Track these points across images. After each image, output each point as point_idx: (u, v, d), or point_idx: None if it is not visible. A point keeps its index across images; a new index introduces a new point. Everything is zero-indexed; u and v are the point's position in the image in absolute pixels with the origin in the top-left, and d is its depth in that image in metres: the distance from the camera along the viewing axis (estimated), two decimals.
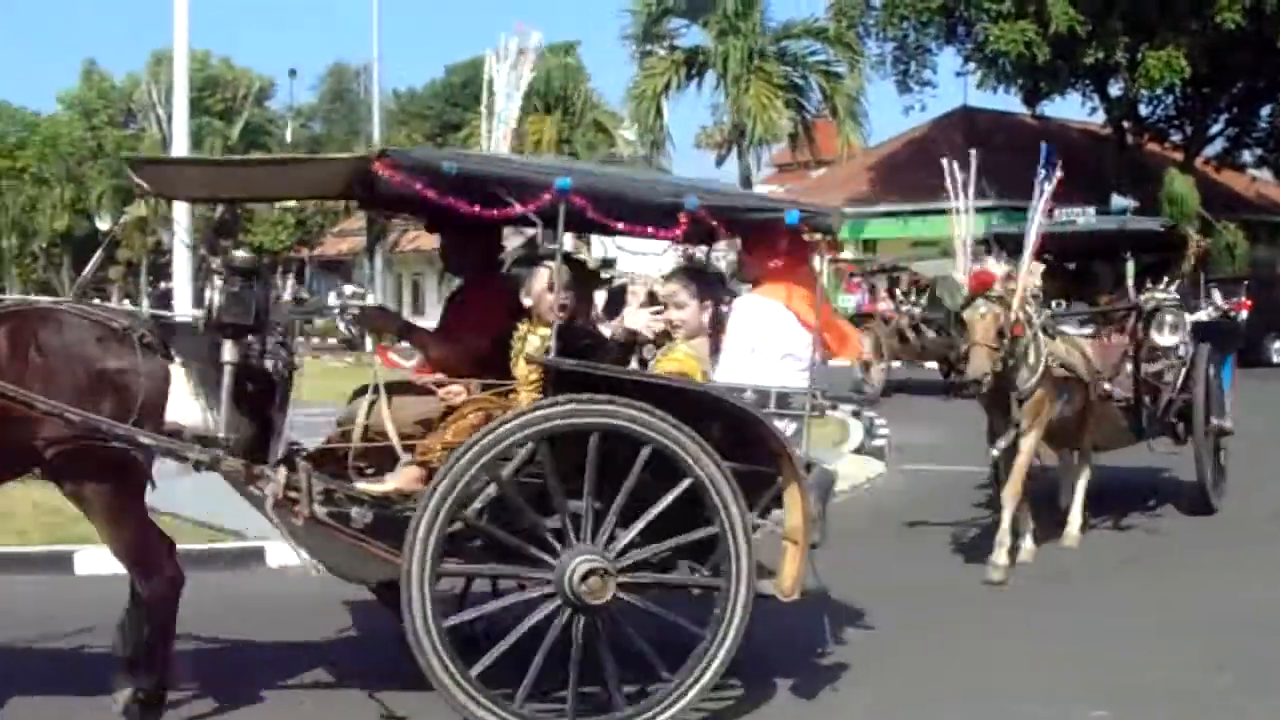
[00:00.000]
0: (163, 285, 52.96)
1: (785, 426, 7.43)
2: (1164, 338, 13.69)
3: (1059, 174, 12.46)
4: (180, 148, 25.61)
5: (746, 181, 23.80)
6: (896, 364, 26.90)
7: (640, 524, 6.98)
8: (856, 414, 22.23)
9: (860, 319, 26.52)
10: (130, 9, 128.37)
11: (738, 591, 7.07)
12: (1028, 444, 11.56)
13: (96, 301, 8.51)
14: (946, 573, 11.48)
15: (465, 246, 8.16)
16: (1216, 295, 15.92)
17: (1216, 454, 14.37)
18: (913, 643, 9.28)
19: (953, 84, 69.59)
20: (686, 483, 6.95)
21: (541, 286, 7.51)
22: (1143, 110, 45.17)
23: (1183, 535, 13.19)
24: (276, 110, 78.29)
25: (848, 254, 39.84)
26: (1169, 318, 13.68)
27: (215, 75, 71.95)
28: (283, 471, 7.01)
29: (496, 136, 9.31)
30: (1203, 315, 15.07)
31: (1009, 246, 14.49)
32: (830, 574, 11.12)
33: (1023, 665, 8.76)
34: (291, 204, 62.74)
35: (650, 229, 7.50)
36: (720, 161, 24.71)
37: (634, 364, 7.91)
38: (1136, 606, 10.38)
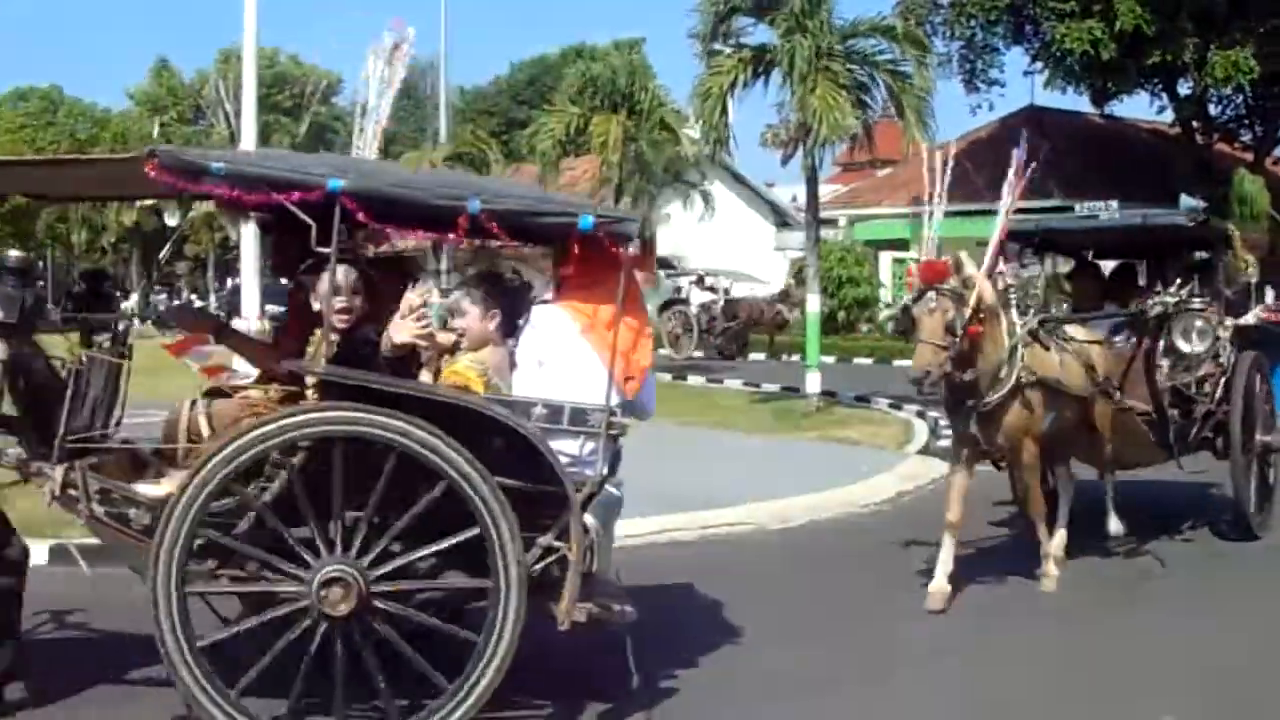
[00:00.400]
0: (230, 281, 53.46)
1: (583, 444, 7.19)
2: (1190, 344, 12.39)
3: (1032, 168, 12.12)
4: (248, 144, 25.89)
5: (813, 180, 23.71)
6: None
7: (393, 531, 6.81)
8: (921, 414, 22.21)
9: None
10: (201, 6, 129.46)
11: (507, 599, 6.81)
12: (1024, 469, 10.77)
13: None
14: (991, 581, 11.35)
15: (287, 247, 7.79)
16: (1269, 296, 14.57)
17: (1264, 473, 13.18)
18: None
19: (1020, 83, 69.40)
20: (440, 487, 6.74)
21: (326, 290, 7.22)
22: (1212, 110, 44.74)
23: (1200, 565, 11.88)
24: (343, 107, 78.80)
25: (911, 253, 39.72)
26: (1198, 323, 12.38)
27: (283, 72, 72.57)
28: (61, 470, 6.98)
29: (368, 134, 9.09)
30: (1250, 319, 13.38)
31: (1059, 245, 14.18)
32: (879, 573, 11.21)
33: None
34: None
35: (435, 232, 7.44)
36: (786, 160, 24.63)
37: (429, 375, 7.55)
38: (1067, 655, 9.20)
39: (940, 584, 10.24)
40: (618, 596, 7.63)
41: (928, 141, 25.07)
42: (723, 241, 46.51)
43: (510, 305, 7.68)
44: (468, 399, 7.07)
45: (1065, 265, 14.49)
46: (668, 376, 30.82)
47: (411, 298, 7.27)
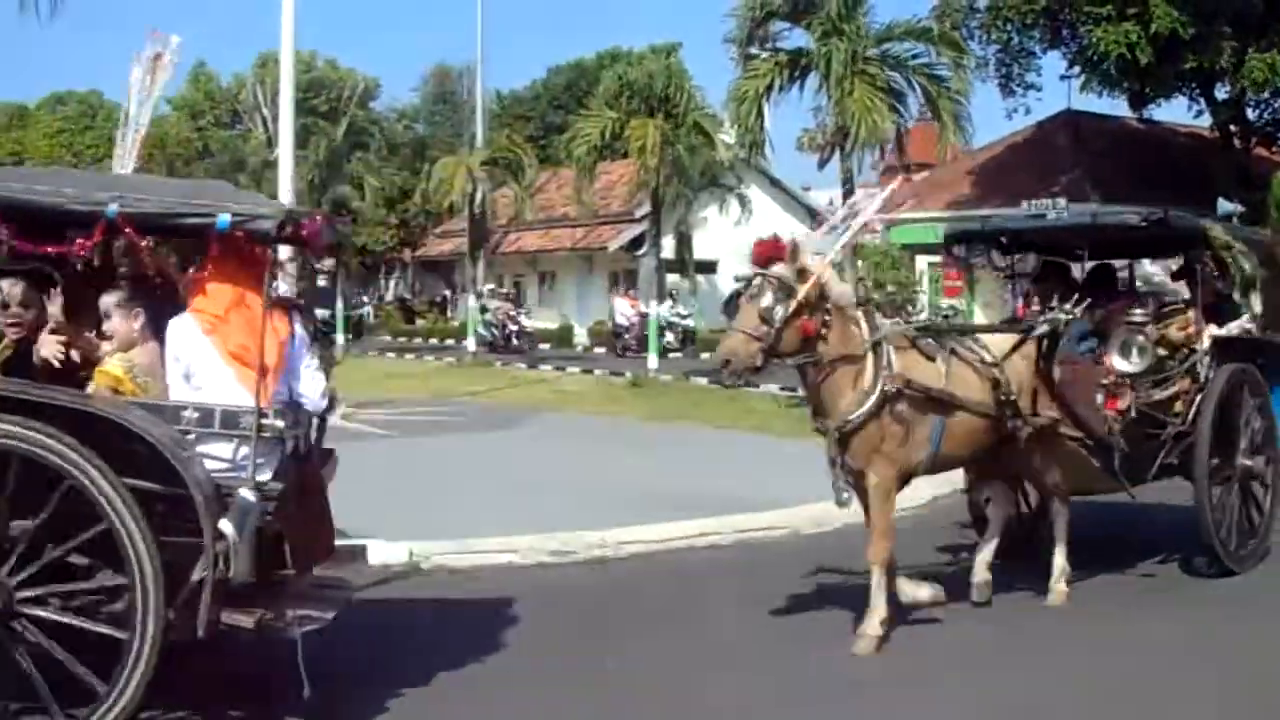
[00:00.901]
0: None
1: (237, 448, 7.10)
2: (1127, 363, 10.80)
3: (899, 176, 11.19)
4: (285, 148, 26.03)
5: (849, 183, 23.73)
6: None
7: (25, 538, 6.89)
8: None
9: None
10: (239, 10, 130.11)
11: (145, 595, 6.77)
12: (876, 492, 9.43)
13: None
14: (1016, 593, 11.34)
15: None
16: (1256, 304, 11.52)
17: (1248, 502, 11.74)
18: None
19: (1057, 87, 69.30)
20: (63, 487, 6.78)
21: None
22: (1250, 114, 44.51)
23: (1148, 605, 10.71)
24: (380, 111, 79.11)
25: (938, 257, 39.63)
26: (1137, 339, 10.84)
27: (320, 76, 72.88)
28: None
29: (128, 143, 9.00)
30: (1234, 329, 11.61)
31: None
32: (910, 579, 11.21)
33: None
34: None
35: (80, 237, 7.17)
36: (823, 164, 24.87)
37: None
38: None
39: (870, 626, 9.25)
40: (319, 603, 7.61)
41: (964, 144, 25.09)
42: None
43: (158, 307, 7.50)
44: (100, 406, 7.03)
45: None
46: (703, 380, 30.88)
47: (54, 311, 7.39)
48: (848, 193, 24.10)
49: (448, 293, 64.29)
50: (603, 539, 12.30)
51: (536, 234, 55.33)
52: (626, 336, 41.95)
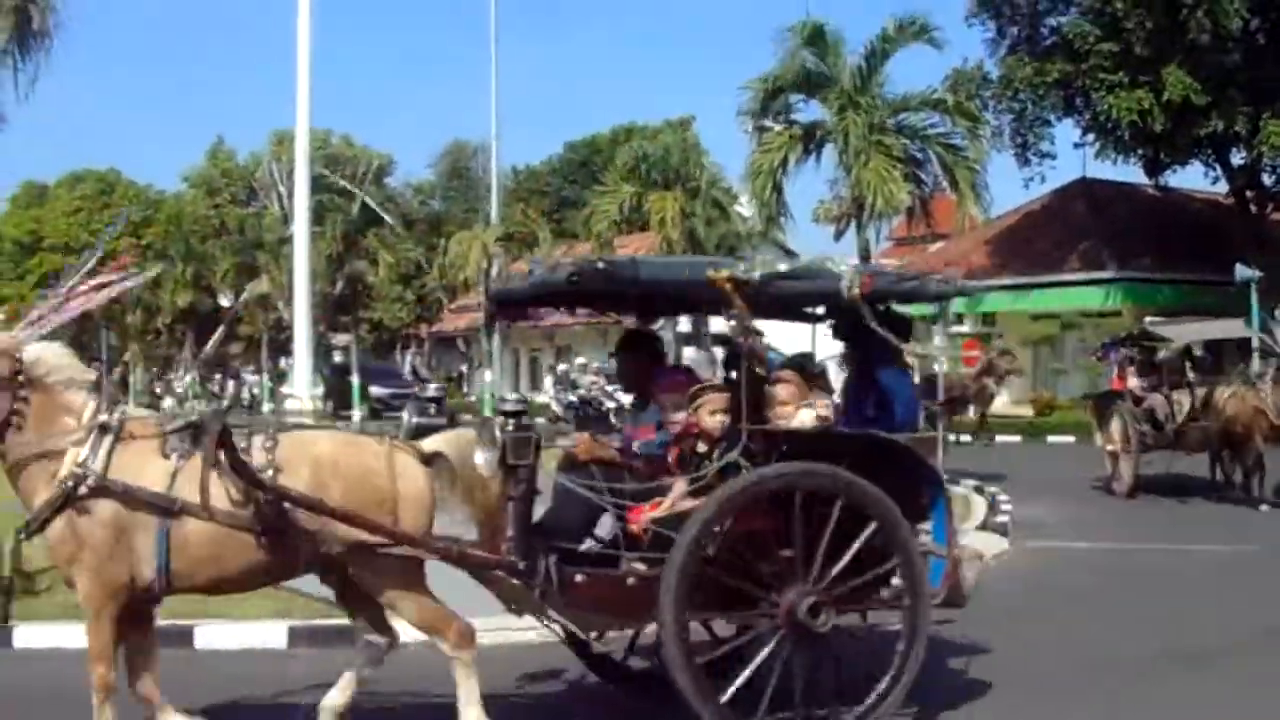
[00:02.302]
0: (284, 361, 53.91)
1: None
2: (483, 460, 8.40)
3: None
4: (301, 225, 26.17)
5: (866, 255, 23.76)
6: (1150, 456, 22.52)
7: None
8: (979, 489, 22.08)
9: (1107, 399, 23.80)
10: (254, 89, 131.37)
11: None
12: (84, 610, 7.87)
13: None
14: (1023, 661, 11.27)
15: None
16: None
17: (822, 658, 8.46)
18: None
19: (1072, 155, 69.50)
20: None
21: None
22: (1266, 179, 44.55)
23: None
24: (396, 187, 79.55)
25: (965, 327, 39.72)
26: (485, 434, 8.50)
27: (335, 153, 73.38)
28: None
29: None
30: (807, 418, 8.86)
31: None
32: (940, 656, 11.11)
33: None
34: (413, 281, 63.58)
35: None
36: (839, 236, 24.78)
37: None
38: None
39: None
40: None
41: (982, 214, 25.12)
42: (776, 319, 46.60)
43: None
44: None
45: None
46: None
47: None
48: (863, 261, 24.08)
49: (464, 368, 64.41)
50: None
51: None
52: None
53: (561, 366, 45.19)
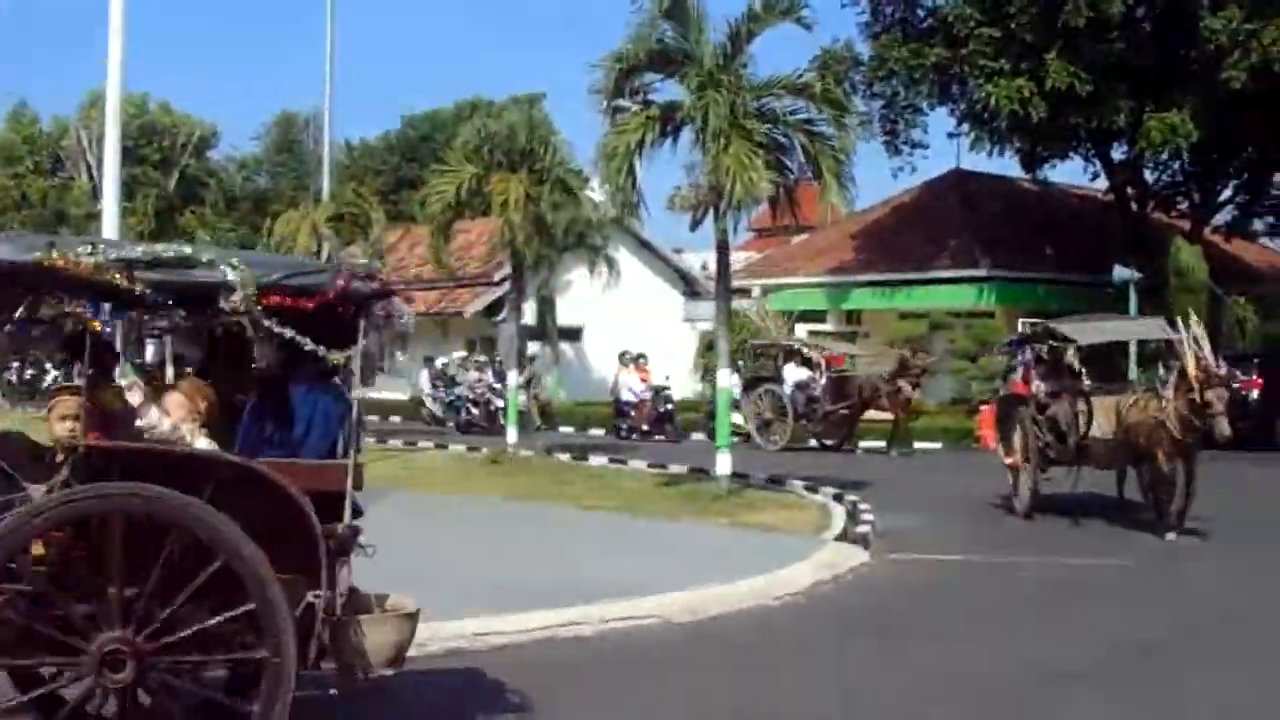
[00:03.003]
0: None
1: None
2: None
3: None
4: (111, 199, 25.67)
5: (724, 246, 23.90)
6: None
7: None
8: (838, 497, 22.41)
9: (1010, 404, 22.97)
10: (62, 48, 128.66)
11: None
12: None
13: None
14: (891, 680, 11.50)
15: None
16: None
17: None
18: None
19: (945, 146, 70.52)
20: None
21: None
22: (1148, 176, 45.54)
23: None
24: (218, 161, 78.49)
25: (828, 325, 40.10)
26: None
27: (151, 121, 72.17)
28: None
29: None
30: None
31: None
32: (787, 675, 11.30)
33: None
34: None
35: None
36: (695, 225, 24.77)
37: None
38: None
39: None
40: None
41: (846, 206, 25.38)
42: (628, 310, 46.70)
43: None
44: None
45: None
46: (565, 456, 30.85)
47: None
48: (722, 256, 24.18)
49: None
50: (460, 630, 12.19)
51: None
52: (633, 415, 40.32)
53: (440, 361, 44.85)
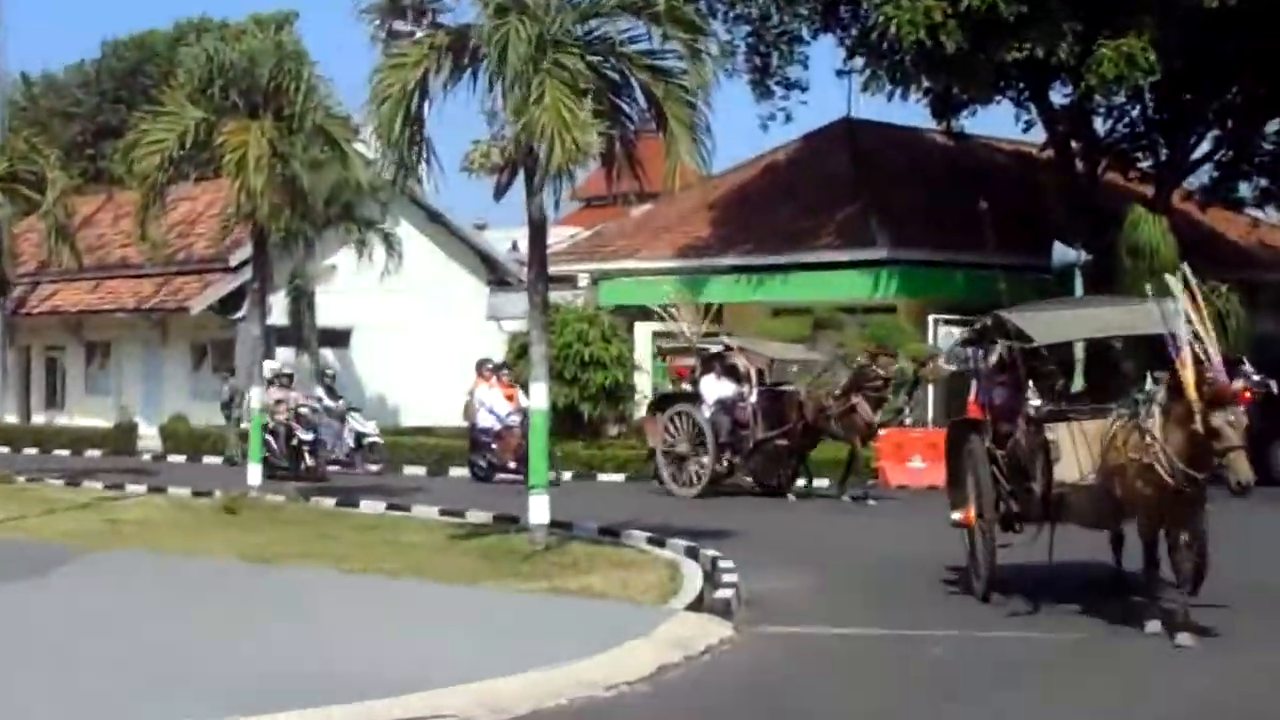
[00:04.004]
0: None
1: None
2: None
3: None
4: None
5: (539, 223, 23.84)
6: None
7: None
8: (693, 552, 22.51)
9: (962, 433, 21.65)
10: None
11: None
12: None
13: None
14: None
15: None
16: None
17: None
18: None
19: (832, 87, 70.79)
20: None
21: None
22: (1098, 125, 46.10)
23: None
24: None
25: (684, 325, 40.35)
26: None
27: None
28: None
29: None
30: None
31: None
32: None
33: None
34: None
35: None
36: (501, 193, 24.58)
37: None
38: None
39: None
40: None
41: (703, 167, 25.43)
42: (414, 306, 46.68)
43: None
44: None
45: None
46: (329, 501, 30.74)
47: None
48: (537, 234, 24.08)
49: None
50: None
51: (82, 287, 54.51)
52: (495, 448, 39.12)
53: (267, 369, 43.94)
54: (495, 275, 53.93)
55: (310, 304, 45.84)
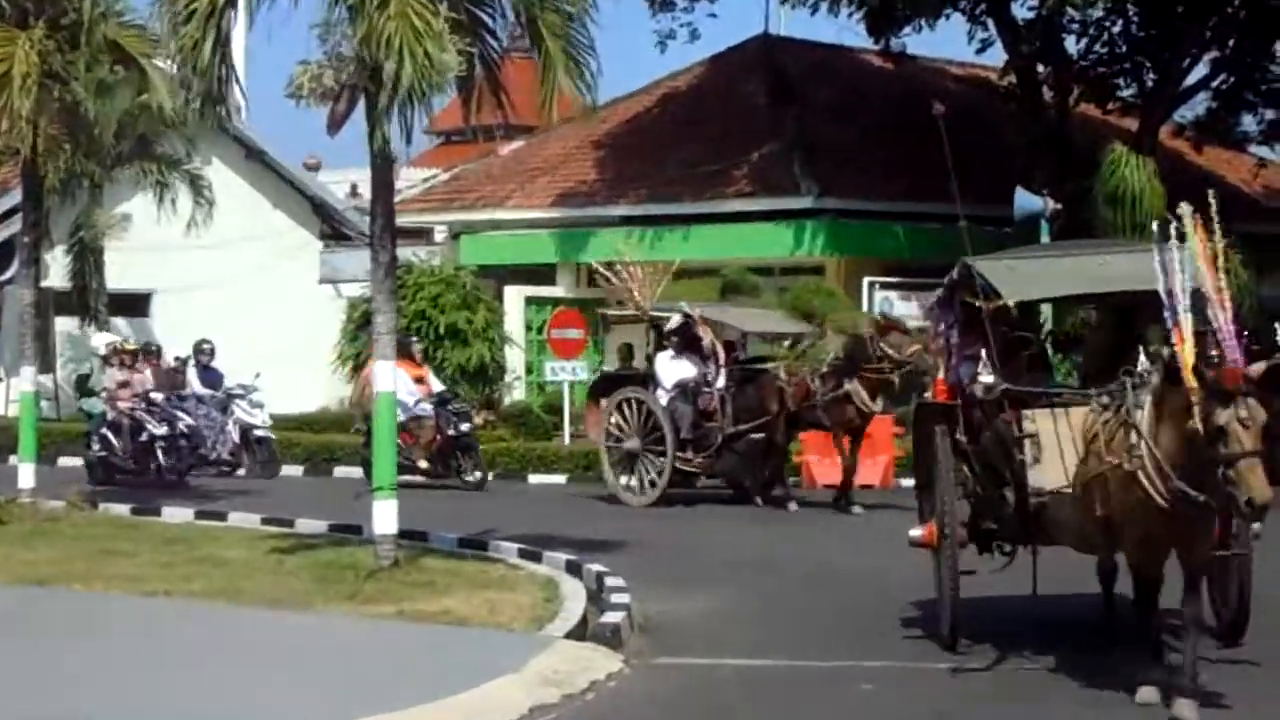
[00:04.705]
0: None
1: None
2: None
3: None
4: None
5: (384, 162, 23.68)
6: None
7: None
8: (575, 568, 22.52)
9: (927, 419, 20.20)
10: None
11: None
12: None
13: None
14: None
15: None
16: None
17: None
18: None
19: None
20: None
21: None
22: (1070, 46, 46.31)
23: None
24: None
25: (558, 289, 40.39)
26: None
27: None
28: None
29: None
30: None
31: None
32: None
33: None
34: None
35: None
36: (336, 124, 24.35)
37: None
38: None
39: None
40: None
41: (585, 95, 25.40)
42: (228, 264, 46.49)
43: None
44: None
45: None
46: (124, 509, 30.54)
47: None
48: (380, 175, 23.93)
49: None
50: None
51: None
52: (404, 445, 35.56)
53: (106, 338, 43.38)
54: (331, 226, 53.64)
55: (98, 263, 45.57)
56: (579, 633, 18.73)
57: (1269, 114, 49.84)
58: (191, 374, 41.00)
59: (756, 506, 33.27)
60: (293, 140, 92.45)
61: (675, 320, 34.68)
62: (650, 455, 33.63)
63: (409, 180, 51.86)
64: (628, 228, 45.89)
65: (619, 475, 34.31)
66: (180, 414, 37.92)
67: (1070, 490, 16.92)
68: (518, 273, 46.71)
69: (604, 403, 34.71)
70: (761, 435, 33.71)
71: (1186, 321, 14.92)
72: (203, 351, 41.66)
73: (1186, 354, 14.73)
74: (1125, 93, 47.27)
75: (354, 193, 52.98)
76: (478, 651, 17.44)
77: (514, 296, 46.38)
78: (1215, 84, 47.56)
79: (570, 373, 41.32)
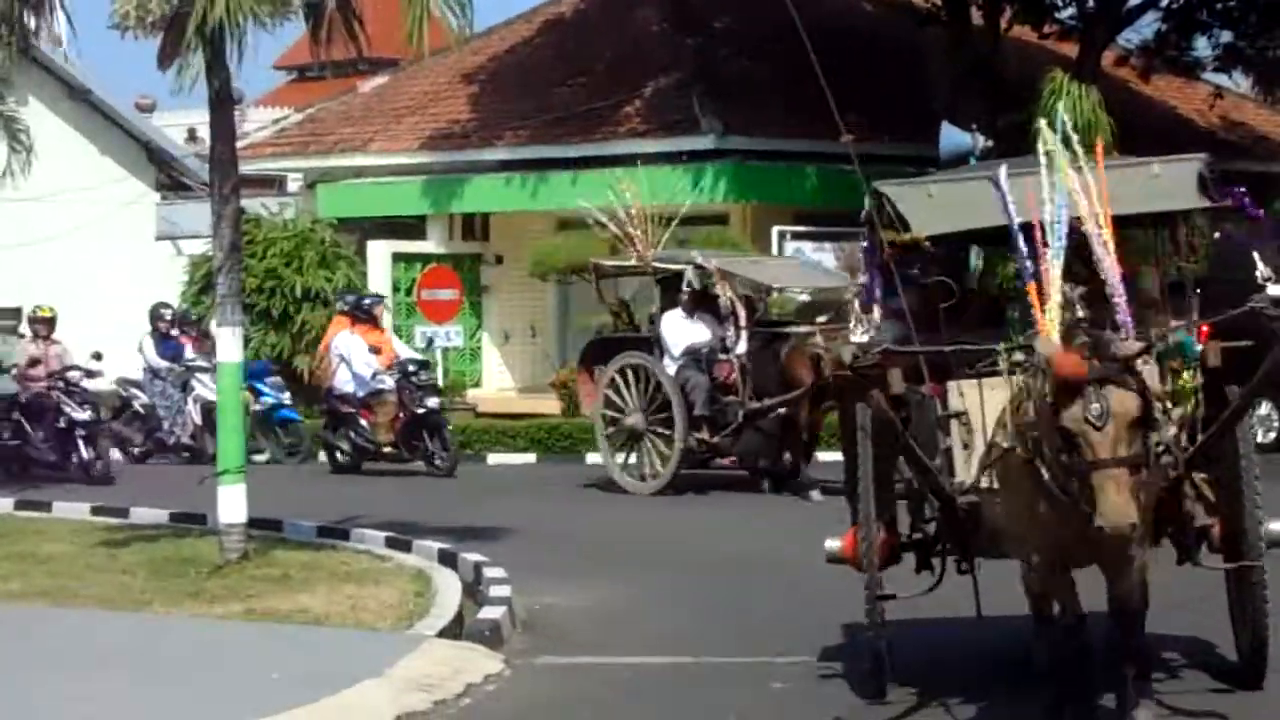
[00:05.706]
0: None
1: None
2: None
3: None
4: None
5: (225, 102, 23.64)
6: None
7: None
8: (449, 558, 22.49)
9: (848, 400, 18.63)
10: None
11: None
12: None
13: None
14: None
15: None
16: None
17: None
18: None
19: None
20: None
21: None
22: None
23: None
24: None
25: (429, 244, 40.29)
26: None
27: None
28: None
29: None
30: None
31: None
32: None
33: None
34: None
35: None
36: (168, 60, 24.24)
37: None
38: None
39: None
40: None
41: (455, 22, 25.35)
42: (48, 220, 46.32)
43: None
44: None
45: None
46: None
47: None
48: (221, 117, 23.88)
49: None
50: None
51: None
52: (365, 423, 36.89)
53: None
54: (169, 176, 53.50)
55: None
56: (453, 631, 18.76)
57: (1224, 36, 49.57)
58: (147, 344, 40.41)
59: (760, 494, 31.92)
60: (123, 77, 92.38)
61: (684, 272, 33.08)
62: (656, 437, 32.63)
63: (258, 121, 51.92)
64: (507, 173, 45.97)
65: (617, 457, 33.25)
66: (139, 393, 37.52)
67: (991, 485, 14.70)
68: (382, 226, 46.71)
69: (600, 373, 33.41)
70: (787, 410, 31.82)
71: (1056, 269, 13.46)
72: (161, 318, 41.02)
73: (1050, 318, 13.17)
74: (1064, 14, 47.41)
75: (192, 137, 52.85)
76: (337, 654, 17.43)
77: (379, 253, 46.31)
78: (1163, 3, 47.57)
79: (444, 338, 41.36)
